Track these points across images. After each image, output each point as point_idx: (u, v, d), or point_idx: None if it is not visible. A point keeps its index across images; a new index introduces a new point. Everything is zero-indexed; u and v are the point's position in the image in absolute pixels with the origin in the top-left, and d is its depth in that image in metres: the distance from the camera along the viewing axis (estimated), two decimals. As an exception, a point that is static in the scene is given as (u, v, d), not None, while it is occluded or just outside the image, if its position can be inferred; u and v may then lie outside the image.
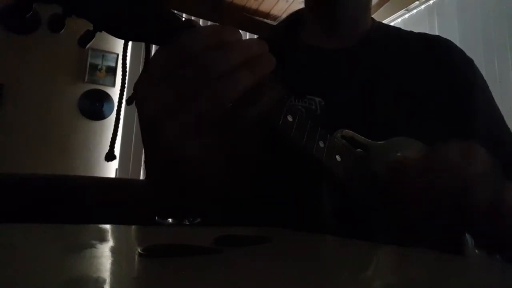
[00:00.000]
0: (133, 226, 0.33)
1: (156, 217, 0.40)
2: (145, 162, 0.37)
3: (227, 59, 0.28)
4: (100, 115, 2.67)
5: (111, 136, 0.33)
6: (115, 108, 0.34)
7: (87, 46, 0.31)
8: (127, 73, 0.35)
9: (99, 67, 2.74)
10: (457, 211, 0.33)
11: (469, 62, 0.59)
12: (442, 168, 0.34)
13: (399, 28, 0.64)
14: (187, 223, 0.43)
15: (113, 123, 0.33)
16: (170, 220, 0.41)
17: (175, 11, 0.33)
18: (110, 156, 0.34)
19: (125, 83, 0.34)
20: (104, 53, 2.75)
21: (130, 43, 0.33)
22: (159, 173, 0.36)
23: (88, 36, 0.30)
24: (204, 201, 0.41)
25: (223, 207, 0.51)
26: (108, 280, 0.15)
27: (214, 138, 0.30)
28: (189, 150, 0.29)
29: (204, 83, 0.27)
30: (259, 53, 0.30)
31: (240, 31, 0.31)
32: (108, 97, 2.72)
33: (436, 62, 0.57)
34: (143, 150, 0.36)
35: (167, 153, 0.30)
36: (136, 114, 0.31)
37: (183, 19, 0.32)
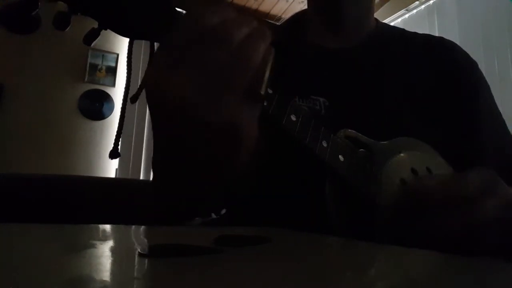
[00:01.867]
0: (133, 226, 0.33)
1: (185, 222, 0.40)
2: (153, 163, 0.36)
3: (239, 29, 0.28)
4: (100, 115, 2.67)
5: (114, 134, 0.33)
6: (119, 106, 0.34)
7: (92, 44, 0.31)
8: (126, 74, 0.35)
9: (99, 67, 2.74)
10: (470, 241, 0.32)
11: (473, 64, 0.59)
12: (461, 197, 0.33)
13: (403, 29, 0.64)
14: (215, 217, 0.43)
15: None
16: (198, 219, 0.41)
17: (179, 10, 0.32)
18: (114, 154, 0.34)
19: (129, 81, 0.34)
20: (104, 53, 2.75)
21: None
22: (170, 172, 0.34)
23: (93, 34, 0.31)
24: (215, 199, 0.40)
25: (223, 206, 0.51)
26: (108, 280, 0.15)
27: (253, 114, 0.29)
28: (220, 117, 0.27)
29: (226, 55, 0.27)
30: (255, 25, 0.30)
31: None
32: (108, 97, 2.72)
33: (440, 64, 0.57)
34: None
35: (194, 134, 0.29)
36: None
37: None
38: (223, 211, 0.42)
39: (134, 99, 0.33)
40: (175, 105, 0.27)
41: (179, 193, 0.36)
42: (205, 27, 0.27)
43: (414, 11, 2.53)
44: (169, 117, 0.29)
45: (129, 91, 0.34)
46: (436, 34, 0.63)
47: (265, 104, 0.33)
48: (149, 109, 0.30)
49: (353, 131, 0.43)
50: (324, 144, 0.38)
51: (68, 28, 0.30)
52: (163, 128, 0.31)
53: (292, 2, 2.81)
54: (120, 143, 0.35)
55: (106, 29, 0.30)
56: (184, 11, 0.30)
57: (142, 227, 0.33)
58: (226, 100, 0.27)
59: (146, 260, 0.19)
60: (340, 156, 0.39)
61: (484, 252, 0.33)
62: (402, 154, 0.44)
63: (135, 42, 0.33)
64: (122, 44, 2.77)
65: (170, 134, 0.30)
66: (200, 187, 0.35)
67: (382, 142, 0.44)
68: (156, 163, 0.37)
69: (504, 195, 0.34)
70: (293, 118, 0.36)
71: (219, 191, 0.37)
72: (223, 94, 0.27)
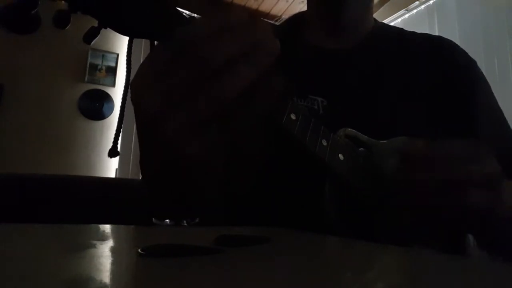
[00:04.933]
0: (133, 226, 0.33)
1: (153, 219, 0.40)
2: (140, 162, 0.37)
3: (226, 49, 0.26)
4: (100, 115, 2.67)
5: (114, 133, 0.33)
6: (118, 105, 0.34)
7: (92, 43, 0.31)
8: (126, 73, 0.35)
9: (99, 67, 2.74)
10: (459, 207, 0.33)
11: (472, 63, 0.59)
12: (447, 160, 0.34)
13: (402, 29, 0.64)
14: (185, 224, 0.42)
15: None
16: (167, 221, 0.41)
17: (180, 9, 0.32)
18: (113, 152, 0.34)
19: (129, 80, 0.34)
20: (104, 53, 2.75)
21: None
22: (155, 173, 0.35)
23: (93, 33, 0.31)
24: (201, 202, 0.41)
25: (224, 206, 0.51)
26: (108, 280, 0.15)
27: (215, 136, 0.28)
28: (189, 149, 0.27)
29: (203, 78, 0.26)
30: (262, 37, 0.27)
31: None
32: (108, 97, 2.72)
33: (439, 63, 0.57)
34: (139, 150, 0.36)
35: (166, 151, 0.29)
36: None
37: (187, 16, 0.32)
38: (196, 220, 0.42)
39: (132, 101, 0.33)
40: (148, 116, 0.27)
41: (158, 193, 0.37)
42: (190, 42, 0.26)
43: (414, 11, 2.52)
44: (143, 124, 0.30)
45: (129, 90, 0.34)
46: (436, 34, 0.63)
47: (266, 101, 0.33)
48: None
49: (353, 130, 0.43)
50: (324, 143, 0.38)
51: (68, 26, 0.30)
52: (139, 131, 0.32)
53: (292, 2, 2.81)
54: (120, 143, 0.35)
55: (106, 28, 0.30)
56: (184, 11, 0.30)
57: (142, 227, 0.33)
58: (188, 124, 0.26)
59: (146, 260, 0.19)
60: (340, 155, 0.39)
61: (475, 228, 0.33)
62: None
63: (135, 41, 0.33)
64: (122, 44, 2.77)
65: (145, 139, 0.32)
66: (176, 192, 0.35)
67: (382, 141, 0.44)
68: (141, 163, 0.37)
69: (491, 167, 0.35)
70: (293, 117, 0.36)
71: (191, 196, 0.38)
72: (186, 117, 0.26)
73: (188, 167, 0.30)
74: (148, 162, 0.35)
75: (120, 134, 0.34)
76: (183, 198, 0.37)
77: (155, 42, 0.32)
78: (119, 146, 0.34)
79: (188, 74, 0.26)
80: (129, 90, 0.31)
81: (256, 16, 2.88)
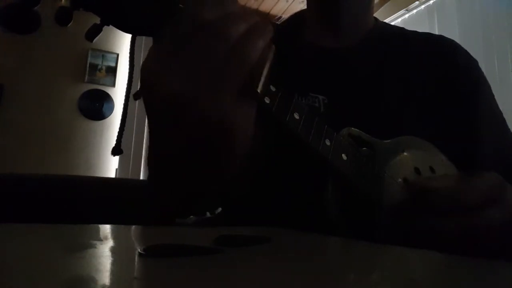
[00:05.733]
0: (133, 226, 0.33)
1: (176, 219, 0.39)
2: (149, 158, 0.36)
3: (239, 24, 0.27)
4: (100, 115, 2.67)
5: (114, 134, 0.33)
6: (119, 106, 0.34)
7: (94, 40, 0.31)
8: (128, 71, 0.35)
9: (99, 67, 2.74)
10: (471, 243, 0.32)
11: (474, 62, 0.59)
12: (465, 204, 0.32)
13: (403, 28, 0.63)
14: (209, 215, 0.42)
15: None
16: (191, 217, 0.40)
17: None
18: (116, 151, 0.33)
19: (132, 78, 0.34)
20: (104, 53, 2.75)
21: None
22: (170, 166, 0.34)
23: (95, 30, 0.31)
24: (209, 197, 0.40)
25: (225, 205, 0.51)
26: (108, 280, 0.15)
27: (250, 111, 0.29)
28: (228, 119, 0.27)
29: (222, 51, 0.27)
30: (256, 21, 0.30)
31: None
32: (108, 97, 2.72)
33: (440, 62, 0.57)
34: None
35: (195, 130, 0.28)
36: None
37: None
38: (219, 209, 0.42)
39: (136, 96, 0.32)
40: (168, 99, 0.27)
41: (173, 190, 0.36)
42: (202, 21, 0.27)
43: (414, 11, 2.52)
44: (162, 111, 0.28)
45: (131, 89, 0.34)
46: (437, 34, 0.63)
47: (268, 101, 0.33)
48: (144, 104, 0.29)
49: (356, 129, 0.43)
50: (327, 142, 0.38)
51: (70, 23, 0.30)
52: (157, 123, 0.31)
53: (292, 2, 2.81)
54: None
55: (108, 25, 0.30)
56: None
57: (142, 227, 0.33)
58: (221, 96, 0.27)
59: (146, 260, 0.19)
60: (343, 154, 0.39)
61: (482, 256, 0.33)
62: (405, 153, 0.44)
63: (137, 39, 0.33)
64: (122, 44, 2.77)
65: (164, 130, 0.30)
66: (195, 184, 0.34)
67: (385, 141, 0.44)
68: (150, 159, 0.36)
69: (508, 203, 0.33)
70: (296, 116, 0.35)
71: (215, 189, 0.37)
72: (218, 89, 0.27)
73: (224, 147, 0.29)
74: (161, 155, 0.34)
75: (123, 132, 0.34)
76: (196, 193, 0.36)
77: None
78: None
79: (207, 48, 0.26)
80: (131, 88, 0.31)
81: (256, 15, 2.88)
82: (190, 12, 0.28)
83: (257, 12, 2.91)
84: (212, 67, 0.27)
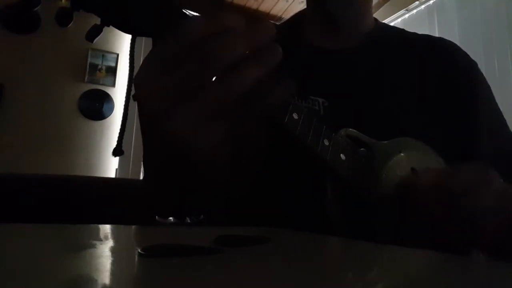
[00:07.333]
0: (133, 226, 0.33)
1: (156, 217, 0.40)
2: (143, 159, 0.37)
3: (232, 48, 0.26)
4: (100, 115, 2.67)
5: (114, 134, 0.33)
6: (119, 106, 0.34)
7: (94, 41, 0.31)
8: (128, 71, 0.35)
9: (99, 67, 2.74)
10: (467, 233, 0.32)
11: (473, 65, 0.59)
12: (456, 191, 0.33)
13: (403, 29, 0.64)
14: (189, 221, 0.42)
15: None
16: (171, 219, 0.41)
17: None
18: (117, 151, 0.34)
19: (132, 78, 0.34)
20: (104, 53, 2.74)
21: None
22: (158, 170, 0.35)
23: (96, 31, 0.31)
24: (204, 200, 0.41)
25: (225, 205, 0.51)
26: (108, 280, 0.15)
27: (220, 131, 0.28)
28: (194, 143, 0.27)
29: (208, 75, 0.26)
30: (265, 41, 0.28)
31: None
32: (108, 97, 2.71)
33: (440, 64, 0.57)
34: (143, 148, 0.36)
35: (169, 146, 0.29)
36: (136, 114, 0.31)
37: (190, 15, 0.32)
38: (201, 217, 0.42)
39: (136, 97, 0.33)
40: (152, 110, 0.28)
41: (161, 191, 0.37)
42: (193, 42, 0.26)
43: (414, 11, 2.52)
44: (147, 119, 0.30)
45: (132, 89, 0.34)
46: (436, 34, 0.63)
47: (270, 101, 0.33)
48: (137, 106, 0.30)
49: (354, 130, 0.43)
50: (326, 142, 0.38)
51: (71, 24, 0.30)
52: (143, 127, 0.32)
53: (292, 2, 2.80)
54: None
55: (108, 26, 0.30)
56: (186, 10, 0.30)
57: (142, 227, 0.33)
58: (190, 118, 0.27)
59: (146, 260, 0.19)
60: (341, 155, 0.39)
61: (482, 245, 0.33)
62: (402, 154, 0.45)
63: (137, 39, 0.33)
64: (122, 44, 2.77)
65: (147, 137, 0.32)
66: (180, 187, 0.36)
67: (383, 142, 0.44)
68: (143, 159, 0.37)
69: (497, 186, 0.34)
70: (295, 116, 0.36)
71: (193, 193, 0.38)
72: (189, 112, 0.27)
73: (192, 163, 0.30)
74: (151, 158, 0.35)
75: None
76: (185, 195, 0.37)
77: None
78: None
79: (194, 69, 0.26)
80: (131, 88, 0.32)
81: (257, 16, 2.88)
82: (182, 28, 0.27)
83: (257, 12, 2.92)
84: (191, 88, 0.26)
